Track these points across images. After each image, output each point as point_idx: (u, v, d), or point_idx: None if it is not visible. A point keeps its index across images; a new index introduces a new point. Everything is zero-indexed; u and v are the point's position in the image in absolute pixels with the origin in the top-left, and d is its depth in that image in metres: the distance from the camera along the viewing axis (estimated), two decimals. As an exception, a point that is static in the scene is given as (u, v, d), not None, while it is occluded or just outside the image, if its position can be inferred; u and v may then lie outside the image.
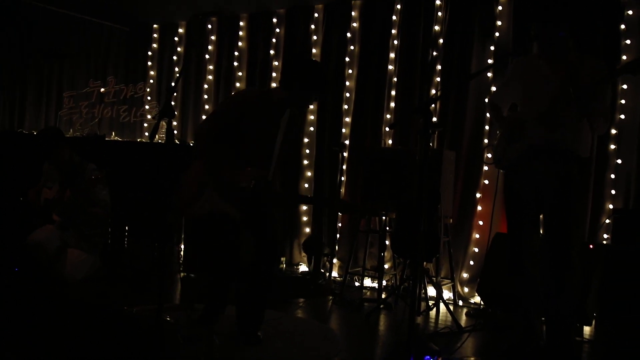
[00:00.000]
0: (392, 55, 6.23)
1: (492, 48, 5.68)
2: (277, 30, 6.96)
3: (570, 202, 3.47)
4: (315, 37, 6.71)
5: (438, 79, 5.95)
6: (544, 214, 3.58)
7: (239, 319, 3.81)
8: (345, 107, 6.47)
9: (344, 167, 6.24)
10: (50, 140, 4.95)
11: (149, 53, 8.05)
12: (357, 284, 5.95)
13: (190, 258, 6.00)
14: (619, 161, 5.04)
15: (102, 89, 7.49)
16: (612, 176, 5.07)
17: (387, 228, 5.57)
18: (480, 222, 5.62)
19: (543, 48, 3.54)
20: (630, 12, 5.08)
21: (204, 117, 7.48)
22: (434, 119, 5.78)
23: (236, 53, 7.24)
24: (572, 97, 3.32)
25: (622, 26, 5.08)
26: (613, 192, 5.06)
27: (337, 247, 6.23)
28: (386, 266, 5.88)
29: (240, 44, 7.21)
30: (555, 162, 3.46)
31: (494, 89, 5.57)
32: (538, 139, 3.46)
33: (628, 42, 5.05)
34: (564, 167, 3.46)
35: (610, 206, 5.05)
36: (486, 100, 5.64)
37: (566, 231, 3.45)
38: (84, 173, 4.95)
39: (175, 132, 7.44)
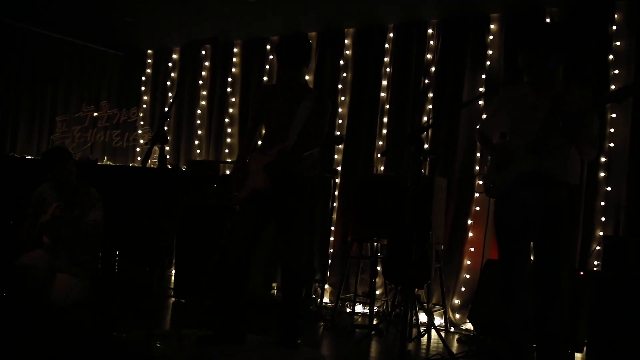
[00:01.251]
0: (384, 82, 6.30)
1: (483, 76, 5.75)
2: (270, 57, 7.02)
3: (560, 230, 3.49)
4: (308, 64, 6.76)
5: (430, 107, 6.01)
6: (534, 242, 3.59)
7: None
8: (338, 133, 6.51)
9: (336, 193, 6.26)
10: (59, 159, 4.86)
11: (143, 78, 8.10)
12: (348, 310, 5.93)
13: (181, 283, 5.97)
14: (609, 188, 5.09)
15: (95, 114, 7.51)
16: (602, 203, 5.11)
17: (379, 254, 5.57)
18: (472, 249, 5.63)
19: (531, 77, 3.57)
20: (618, 43, 5.16)
21: (196, 142, 7.51)
22: (426, 146, 5.82)
23: (230, 79, 7.29)
24: (559, 125, 3.35)
25: (611, 56, 5.17)
26: (603, 219, 5.09)
27: (328, 273, 6.22)
28: (378, 292, 5.87)
29: (233, 69, 7.26)
30: (544, 190, 3.47)
31: (484, 116, 5.63)
32: (527, 168, 3.48)
33: (616, 72, 5.13)
34: (553, 195, 3.48)
35: (601, 233, 5.08)
36: (477, 128, 5.69)
37: (556, 258, 3.46)
38: (85, 197, 4.86)
39: (168, 157, 7.46)
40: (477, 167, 5.69)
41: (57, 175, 4.81)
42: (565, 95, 3.46)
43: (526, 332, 3.56)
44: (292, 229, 3.99)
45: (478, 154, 5.70)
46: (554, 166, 3.45)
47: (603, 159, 5.12)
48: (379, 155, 6.21)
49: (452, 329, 5.49)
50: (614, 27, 5.19)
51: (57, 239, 4.81)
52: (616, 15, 5.20)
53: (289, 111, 3.96)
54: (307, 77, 6.68)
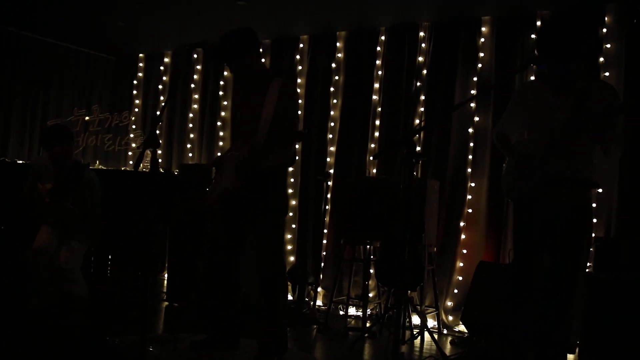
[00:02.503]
0: (376, 85, 6.31)
1: (475, 79, 5.77)
2: (263, 60, 6.99)
3: (585, 232, 3.43)
4: (300, 67, 6.78)
5: (422, 109, 6.02)
6: (554, 244, 3.46)
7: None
8: (330, 136, 6.52)
9: (329, 196, 6.26)
10: (62, 140, 4.83)
11: (135, 82, 8.09)
12: (341, 312, 5.93)
13: (174, 287, 5.95)
14: (600, 190, 5.11)
15: (87, 118, 7.48)
16: (594, 205, 5.12)
17: (372, 257, 5.58)
18: (464, 251, 5.65)
19: (550, 81, 3.48)
20: (608, 46, 5.19)
21: (189, 145, 7.51)
22: (418, 149, 5.84)
23: (221, 82, 7.28)
24: (583, 124, 3.27)
25: (601, 59, 5.20)
26: (595, 220, 5.10)
27: (321, 275, 6.22)
28: (371, 295, 5.87)
29: (225, 73, 7.26)
30: (571, 191, 3.38)
31: (477, 119, 5.66)
32: (549, 169, 3.37)
33: (607, 74, 5.16)
34: (578, 196, 3.41)
35: (593, 235, 5.09)
36: (470, 130, 5.72)
37: (576, 262, 3.40)
38: (81, 179, 4.83)
39: (160, 161, 7.44)
40: (470, 169, 5.70)
41: (56, 155, 4.81)
42: (588, 93, 3.38)
43: (530, 336, 3.54)
44: (259, 232, 3.82)
45: (470, 156, 5.72)
46: (578, 167, 3.38)
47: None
48: (371, 158, 6.22)
49: (445, 331, 5.50)
50: (604, 30, 5.22)
51: (54, 220, 4.80)
52: (606, 18, 5.23)
53: (253, 103, 3.80)
54: (298, 85, 6.70)
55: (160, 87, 7.85)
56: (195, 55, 7.48)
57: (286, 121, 3.69)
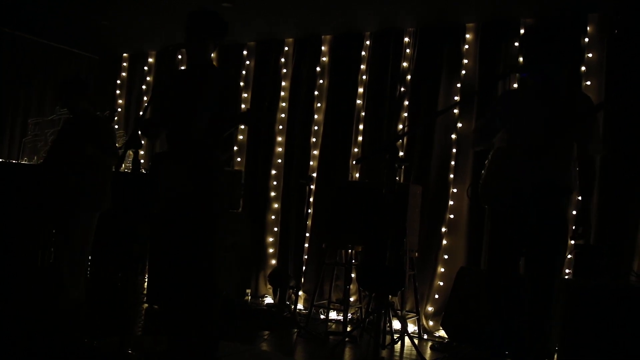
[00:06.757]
0: (360, 89, 6.32)
1: (458, 85, 5.81)
2: (247, 62, 7.01)
3: (562, 239, 3.47)
4: (284, 70, 6.78)
5: (406, 114, 6.04)
6: (532, 251, 3.50)
7: None
8: (313, 140, 6.52)
9: (312, 199, 6.26)
10: (71, 94, 4.80)
11: (118, 82, 8.03)
12: (322, 316, 5.93)
13: (154, 289, 5.91)
14: (579, 197, 5.14)
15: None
16: (573, 212, 5.16)
17: (353, 261, 5.58)
18: (446, 256, 5.67)
19: (531, 88, 3.53)
20: (590, 55, 5.25)
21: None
22: (401, 154, 5.86)
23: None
24: (562, 129, 3.33)
25: (583, 68, 5.25)
26: (574, 227, 5.13)
27: (302, 279, 6.21)
28: (352, 299, 5.87)
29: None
30: (547, 198, 3.41)
31: (460, 125, 5.69)
32: (528, 176, 3.40)
33: (589, 82, 5.21)
34: (556, 203, 3.44)
35: (572, 242, 5.13)
36: (453, 136, 5.74)
37: (553, 268, 3.43)
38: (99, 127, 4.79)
39: (142, 161, 7.39)
40: (452, 175, 5.73)
41: (71, 108, 4.87)
42: (569, 100, 3.45)
43: (508, 342, 3.55)
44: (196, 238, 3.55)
45: (453, 162, 5.75)
46: (556, 173, 3.42)
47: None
48: (354, 163, 6.23)
49: (425, 336, 5.52)
50: (586, 39, 5.27)
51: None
52: (588, 28, 5.28)
53: (193, 96, 3.61)
54: (282, 87, 6.70)
55: (144, 87, 7.80)
56: (179, 57, 7.45)
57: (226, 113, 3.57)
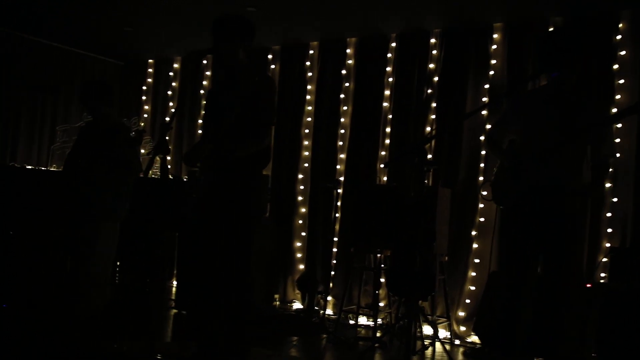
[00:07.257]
0: (387, 92, 6.27)
1: (486, 86, 5.72)
2: (272, 66, 6.99)
3: (574, 240, 3.45)
4: (310, 74, 6.75)
5: (433, 117, 5.97)
6: (545, 253, 3.51)
7: None
8: (340, 143, 6.47)
9: (339, 203, 6.21)
10: (91, 97, 4.73)
11: (144, 87, 8.07)
12: (351, 322, 5.87)
13: (182, 294, 5.91)
14: (615, 199, 5.04)
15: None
16: (609, 214, 5.06)
17: (382, 265, 5.52)
18: (477, 260, 5.58)
19: (547, 88, 3.54)
20: (623, 53, 5.13)
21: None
22: (429, 157, 5.79)
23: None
24: (573, 134, 3.32)
25: (616, 66, 5.14)
26: (609, 230, 5.04)
27: (331, 284, 6.16)
28: (381, 304, 5.81)
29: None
30: (559, 199, 3.41)
31: (488, 126, 5.60)
32: (540, 177, 3.42)
33: (622, 81, 5.10)
34: (567, 204, 3.42)
35: (607, 244, 5.03)
36: (481, 138, 5.66)
37: (567, 270, 3.41)
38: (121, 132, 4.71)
39: (170, 167, 7.42)
40: (481, 178, 5.64)
41: (91, 111, 4.77)
42: (580, 104, 3.43)
43: (530, 346, 3.51)
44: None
45: (482, 164, 5.66)
46: (563, 174, 3.41)
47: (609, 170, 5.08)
48: (382, 166, 6.17)
49: (457, 342, 5.43)
50: (619, 37, 5.16)
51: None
52: (620, 25, 5.18)
53: (217, 98, 3.72)
54: (307, 91, 6.66)
55: (169, 93, 7.83)
56: (205, 62, 7.46)
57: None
